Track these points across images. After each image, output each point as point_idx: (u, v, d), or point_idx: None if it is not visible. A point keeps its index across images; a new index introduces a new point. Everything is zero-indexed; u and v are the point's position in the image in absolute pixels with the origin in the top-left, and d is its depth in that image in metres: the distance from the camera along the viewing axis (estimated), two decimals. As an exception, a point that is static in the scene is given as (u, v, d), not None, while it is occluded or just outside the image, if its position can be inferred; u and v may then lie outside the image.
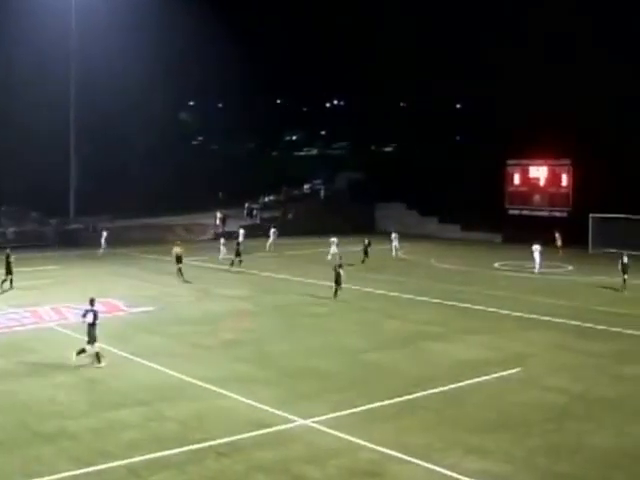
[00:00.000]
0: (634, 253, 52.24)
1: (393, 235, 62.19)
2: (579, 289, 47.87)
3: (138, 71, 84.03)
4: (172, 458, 19.21)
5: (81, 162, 79.32)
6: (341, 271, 42.58)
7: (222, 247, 58.96)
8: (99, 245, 63.43)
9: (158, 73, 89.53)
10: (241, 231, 64.72)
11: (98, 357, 27.72)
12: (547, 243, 58.98)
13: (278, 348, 30.88)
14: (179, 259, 50.05)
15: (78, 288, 45.04)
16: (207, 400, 23.93)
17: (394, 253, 61.70)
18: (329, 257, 56.79)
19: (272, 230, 68.23)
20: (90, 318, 27.70)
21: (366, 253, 57.72)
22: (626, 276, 46.73)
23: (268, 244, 66.32)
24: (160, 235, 71.24)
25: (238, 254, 54.71)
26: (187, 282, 48.66)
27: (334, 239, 58.90)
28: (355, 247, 59.45)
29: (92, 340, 27.59)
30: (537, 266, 54.44)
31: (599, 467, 18.97)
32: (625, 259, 47.28)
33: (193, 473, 18.37)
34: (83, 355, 27.74)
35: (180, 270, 49.55)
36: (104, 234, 64.14)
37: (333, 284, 42.29)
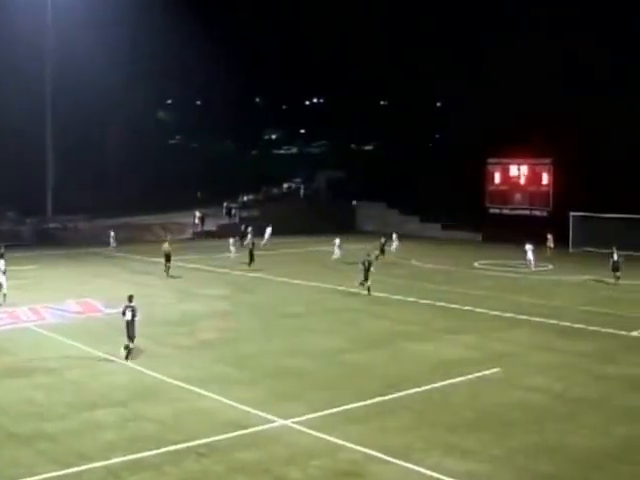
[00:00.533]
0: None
1: (394, 236, 62.26)
2: (559, 288, 47.95)
3: (116, 69, 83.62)
4: (151, 459, 19.07)
5: (58, 161, 78.84)
6: (372, 268, 43.89)
7: (232, 247, 59.13)
8: (108, 244, 63.65)
9: (136, 71, 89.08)
10: (249, 229, 64.95)
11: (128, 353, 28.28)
12: (537, 243, 59.16)
13: (257, 348, 30.76)
14: (168, 257, 50.75)
15: (56, 288, 45.00)
16: (186, 401, 23.78)
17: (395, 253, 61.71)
18: (333, 258, 57.62)
19: (268, 229, 68.21)
20: (129, 315, 28.11)
21: (382, 251, 57.97)
22: (618, 273, 48.43)
23: (263, 242, 66.36)
24: (138, 234, 70.93)
25: (251, 254, 54.89)
26: (172, 277, 49.58)
27: (337, 240, 59.15)
28: (352, 245, 59.53)
29: (131, 337, 28.18)
30: (532, 263, 55.42)
31: (580, 467, 18.94)
32: (615, 256, 48.75)
33: (173, 474, 18.24)
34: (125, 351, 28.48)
35: (167, 267, 50.58)
36: (112, 233, 63.85)
37: (362, 281, 43.36)
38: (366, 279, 43.37)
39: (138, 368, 27.30)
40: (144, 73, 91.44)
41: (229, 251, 59.53)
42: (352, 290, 44.18)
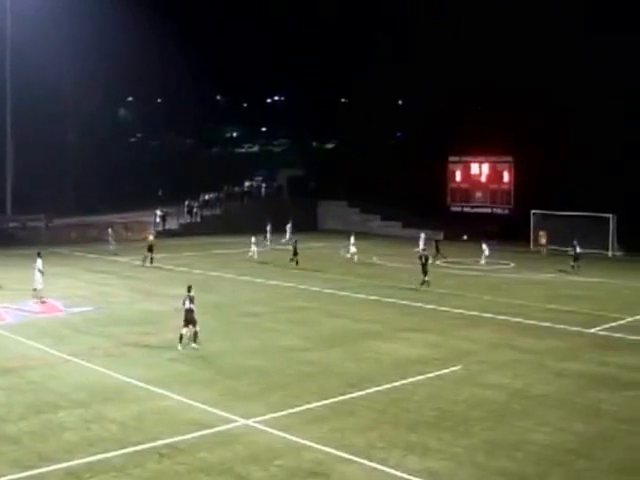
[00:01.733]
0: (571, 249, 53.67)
1: (422, 235, 62.35)
2: (521, 286, 48.30)
3: (76, 67, 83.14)
4: (113, 460, 18.95)
5: (17, 160, 78.10)
6: (429, 262, 46.39)
7: (253, 246, 59.07)
8: (106, 244, 63.11)
9: (95, 69, 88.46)
10: (269, 227, 65.30)
11: (195, 337, 30.23)
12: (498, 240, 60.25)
13: (217, 348, 30.69)
14: (151, 248, 54.92)
15: (16, 288, 44.51)
16: (147, 401, 23.69)
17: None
18: (348, 256, 58.26)
19: (288, 225, 68.35)
20: (188, 304, 30.06)
21: (438, 249, 58.35)
22: (572, 262, 52.22)
23: (285, 240, 66.64)
24: (98, 234, 70.38)
25: (295, 252, 55.34)
26: (155, 267, 53.63)
27: (352, 238, 59.42)
28: (315, 244, 59.65)
29: (193, 323, 30.13)
30: (484, 258, 57.03)
31: (540, 464, 19.05)
32: (578, 248, 52.55)
33: (135, 475, 18.14)
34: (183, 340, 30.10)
35: (150, 258, 54.85)
36: (110, 231, 63.36)
37: (422, 275, 45.22)
38: (425, 274, 45.08)
39: (99, 369, 27.15)
40: (104, 71, 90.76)
41: (250, 249, 59.47)
42: (314, 289, 44.23)
